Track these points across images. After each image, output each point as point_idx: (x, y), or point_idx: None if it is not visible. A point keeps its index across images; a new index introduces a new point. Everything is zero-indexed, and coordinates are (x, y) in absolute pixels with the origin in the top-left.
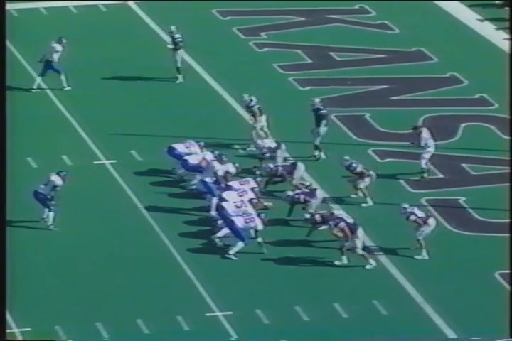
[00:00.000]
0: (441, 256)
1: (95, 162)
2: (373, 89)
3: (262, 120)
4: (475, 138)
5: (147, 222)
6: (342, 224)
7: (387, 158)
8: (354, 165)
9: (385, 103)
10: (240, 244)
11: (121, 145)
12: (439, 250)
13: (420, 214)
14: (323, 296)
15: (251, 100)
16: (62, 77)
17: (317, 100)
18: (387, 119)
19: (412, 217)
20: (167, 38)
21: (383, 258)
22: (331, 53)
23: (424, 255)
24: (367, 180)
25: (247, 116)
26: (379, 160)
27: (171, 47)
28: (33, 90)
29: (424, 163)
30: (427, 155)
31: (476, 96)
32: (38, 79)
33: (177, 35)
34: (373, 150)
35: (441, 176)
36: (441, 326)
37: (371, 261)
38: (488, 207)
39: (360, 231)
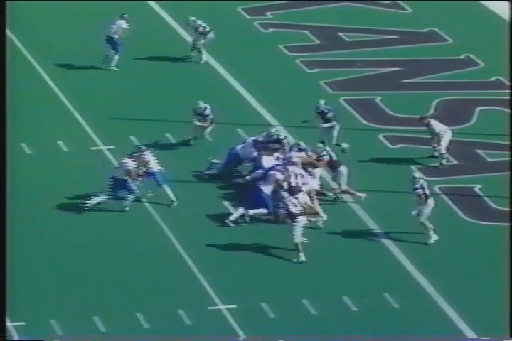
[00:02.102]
0: (455, 247)
1: (92, 148)
2: (384, 71)
3: (208, 130)
4: (491, 122)
5: (147, 212)
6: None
7: (398, 143)
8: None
9: (396, 86)
10: (264, 211)
11: (119, 131)
12: (453, 240)
13: (427, 191)
14: (331, 289)
15: (205, 108)
16: (116, 57)
17: (322, 102)
18: (399, 103)
19: (420, 191)
20: (169, 20)
21: (394, 249)
22: (340, 34)
23: (433, 236)
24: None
25: (253, 101)
26: (390, 146)
27: (201, 42)
28: (37, 75)
29: (443, 149)
30: (444, 142)
31: (492, 79)
32: (116, 57)
33: (199, 23)
34: (384, 136)
35: (455, 163)
36: (456, 320)
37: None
38: (504, 195)
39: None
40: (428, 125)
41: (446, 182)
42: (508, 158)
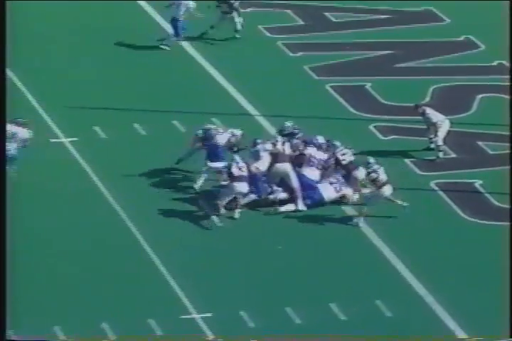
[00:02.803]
0: (453, 249)
1: (52, 140)
2: (375, 55)
3: None
4: (493, 111)
5: (112, 209)
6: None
7: (391, 134)
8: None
9: (388, 71)
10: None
11: (82, 121)
12: (452, 241)
13: (382, 176)
14: (317, 296)
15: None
16: (174, 38)
17: (289, 124)
18: (392, 90)
19: (373, 175)
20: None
21: (387, 252)
22: (326, 14)
23: (360, 223)
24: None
25: (230, 87)
26: (382, 137)
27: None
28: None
29: (440, 140)
30: (441, 133)
31: (495, 63)
32: (174, 39)
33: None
34: (375, 126)
35: (453, 156)
36: (455, 328)
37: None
38: (508, 191)
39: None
40: (424, 114)
41: (444, 177)
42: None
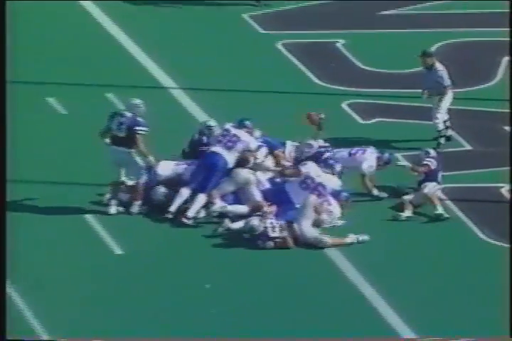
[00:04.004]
0: (463, 279)
1: None
2: None
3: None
4: None
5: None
6: None
7: (374, 117)
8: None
9: (369, 22)
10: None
11: None
12: (465, 270)
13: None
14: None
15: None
16: None
17: (212, 122)
18: (375, 50)
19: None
20: None
21: (358, 281)
22: None
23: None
24: None
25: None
26: (360, 120)
27: None
28: None
29: (441, 123)
30: (443, 110)
31: None
32: None
33: None
34: (350, 104)
35: (468, 148)
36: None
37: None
38: None
39: None
40: (433, 69)
41: (453, 179)
42: None
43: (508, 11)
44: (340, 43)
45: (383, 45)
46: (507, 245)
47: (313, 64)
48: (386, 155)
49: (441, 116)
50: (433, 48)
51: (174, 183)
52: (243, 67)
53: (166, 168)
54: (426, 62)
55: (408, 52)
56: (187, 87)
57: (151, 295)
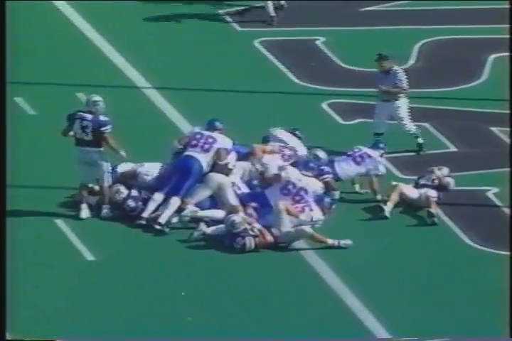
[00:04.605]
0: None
1: None
2: None
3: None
4: None
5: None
6: None
7: (354, 117)
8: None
9: (351, 19)
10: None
11: None
12: (450, 274)
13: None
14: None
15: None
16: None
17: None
18: (356, 48)
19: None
20: None
21: (340, 287)
22: None
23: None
24: None
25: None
26: (341, 121)
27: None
28: None
29: (410, 124)
30: (406, 116)
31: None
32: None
33: None
34: (330, 104)
35: (453, 149)
36: None
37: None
38: None
39: None
40: (391, 73)
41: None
42: None
43: (493, 7)
44: (320, 41)
45: (365, 42)
46: (494, 250)
47: (292, 62)
48: (381, 145)
49: (407, 121)
50: (416, 46)
51: (129, 177)
52: (219, 65)
53: (125, 166)
54: (383, 66)
55: (391, 51)
56: (161, 86)
57: (125, 302)
